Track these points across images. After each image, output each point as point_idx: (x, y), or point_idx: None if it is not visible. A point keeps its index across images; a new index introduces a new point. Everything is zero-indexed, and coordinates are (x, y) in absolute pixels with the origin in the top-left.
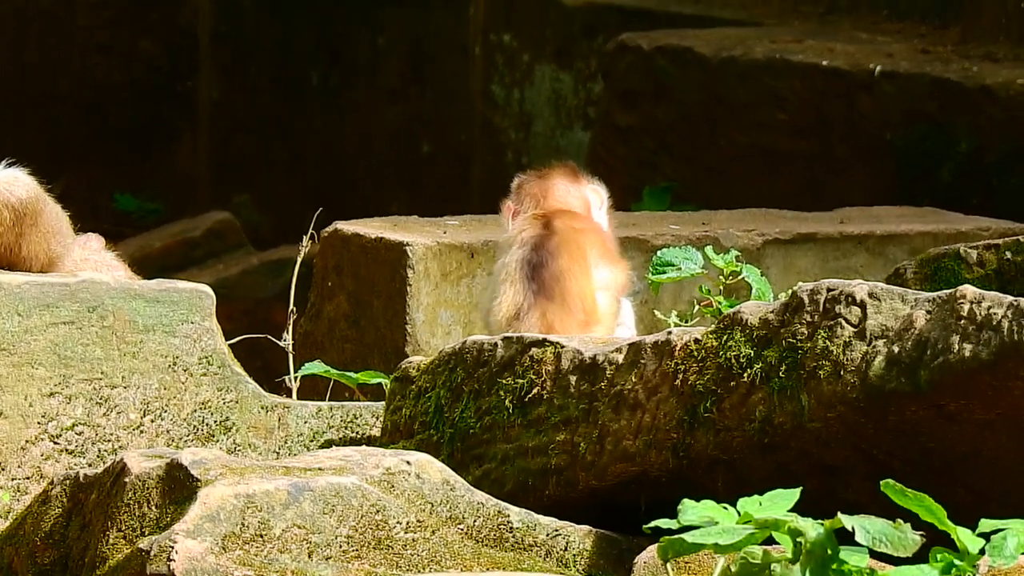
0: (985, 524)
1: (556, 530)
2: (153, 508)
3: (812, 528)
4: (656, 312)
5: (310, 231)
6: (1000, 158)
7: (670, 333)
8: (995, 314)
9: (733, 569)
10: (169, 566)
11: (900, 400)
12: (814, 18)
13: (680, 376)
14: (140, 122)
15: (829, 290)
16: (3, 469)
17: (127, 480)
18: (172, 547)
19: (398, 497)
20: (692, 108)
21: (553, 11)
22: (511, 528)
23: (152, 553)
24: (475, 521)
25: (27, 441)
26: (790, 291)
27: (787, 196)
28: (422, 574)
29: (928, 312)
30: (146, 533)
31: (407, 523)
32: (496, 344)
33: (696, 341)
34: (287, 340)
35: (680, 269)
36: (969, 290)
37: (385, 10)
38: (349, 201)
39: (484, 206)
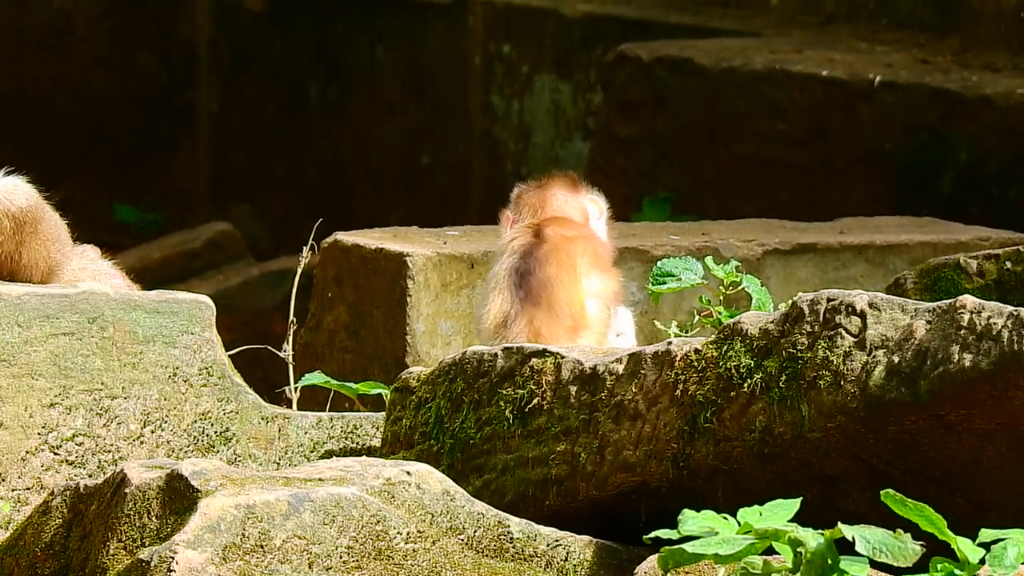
0: (985, 534)
1: (556, 540)
2: (153, 519)
3: (812, 538)
4: (656, 322)
5: (310, 242)
6: (1000, 168)
7: (670, 343)
8: (995, 324)
9: None
10: None
11: (900, 410)
12: (813, 28)
13: (680, 386)
14: (139, 134)
15: (829, 300)
16: (3, 480)
17: (127, 491)
18: (172, 558)
19: (398, 508)
20: (691, 118)
21: (552, 22)
22: (511, 538)
23: (152, 564)
24: (475, 531)
25: (27, 452)
26: (790, 301)
27: (787, 206)
28: None
29: (928, 322)
30: (146, 544)
31: (407, 534)
32: (496, 354)
33: (696, 351)
34: (287, 351)
35: (680, 280)
36: (969, 300)
37: (384, 21)
38: (349, 212)
39: (484, 217)
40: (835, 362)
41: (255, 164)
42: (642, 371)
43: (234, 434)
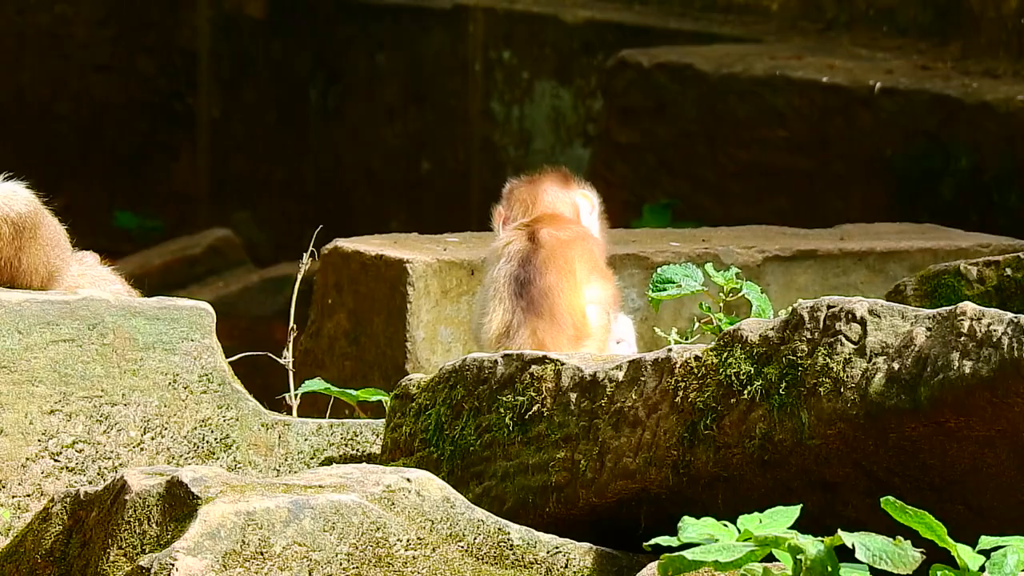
0: (985, 541)
1: (556, 547)
2: (153, 525)
3: (812, 545)
4: (656, 329)
5: (310, 248)
6: (1000, 174)
7: (670, 350)
8: (995, 331)
9: None
10: None
11: (900, 417)
12: (814, 35)
13: (680, 393)
14: (139, 140)
15: (829, 307)
16: (3, 487)
17: (127, 498)
18: (172, 565)
19: (398, 514)
20: (692, 125)
21: (553, 28)
22: (511, 545)
23: (153, 571)
24: (475, 538)
25: (27, 459)
26: (790, 308)
27: (787, 213)
28: None
29: (928, 329)
30: (147, 550)
31: (407, 540)
32: (496, 361)
33: (696, 358)
34: (287, 357)
35: (680, 286)
36: (969, 307)
37: (384, 27)
38: (349, 219)
39: (484, 223)
40: (835, 369)
41: (255, 170)
42: (642, 378)
43: (234, 441)
